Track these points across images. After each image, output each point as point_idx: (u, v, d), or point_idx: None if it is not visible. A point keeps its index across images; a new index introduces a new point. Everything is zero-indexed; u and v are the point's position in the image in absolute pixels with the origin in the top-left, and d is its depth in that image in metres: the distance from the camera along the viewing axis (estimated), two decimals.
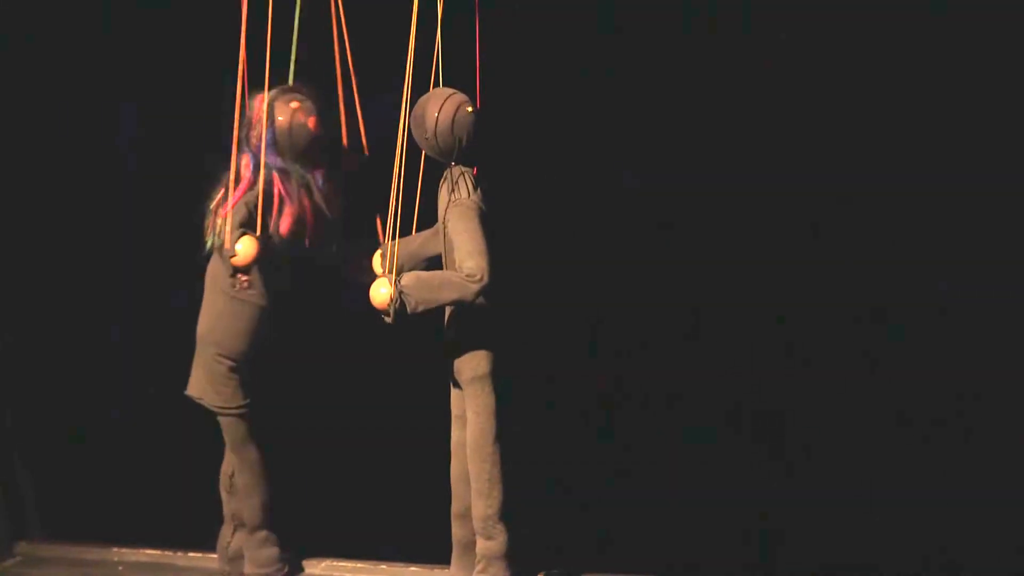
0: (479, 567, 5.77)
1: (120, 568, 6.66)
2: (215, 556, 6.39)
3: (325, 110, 5.98)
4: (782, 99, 6.45)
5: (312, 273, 6.07)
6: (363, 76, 6.00)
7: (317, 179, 5.96)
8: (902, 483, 6.40)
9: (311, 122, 5.94)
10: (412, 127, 5.68)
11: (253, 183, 5.91)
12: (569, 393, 6.73)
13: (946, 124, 6.28)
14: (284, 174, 5.93)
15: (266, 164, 5.90)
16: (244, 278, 5.87)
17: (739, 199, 6.54)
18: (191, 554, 6.61)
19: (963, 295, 6.29)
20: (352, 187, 6.06)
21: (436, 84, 5.71)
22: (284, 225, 5.91)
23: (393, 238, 5.65)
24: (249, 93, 5.93)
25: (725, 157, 6.53)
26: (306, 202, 5.93)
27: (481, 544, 5.75)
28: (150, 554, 6.72)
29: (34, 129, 7.27)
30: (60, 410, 7.30)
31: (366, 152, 6.06)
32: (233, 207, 5.87)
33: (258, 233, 5.83)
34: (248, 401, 6.04)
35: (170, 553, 6.68)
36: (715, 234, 6.60)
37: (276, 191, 5.90)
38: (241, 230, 5.82)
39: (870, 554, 6.39)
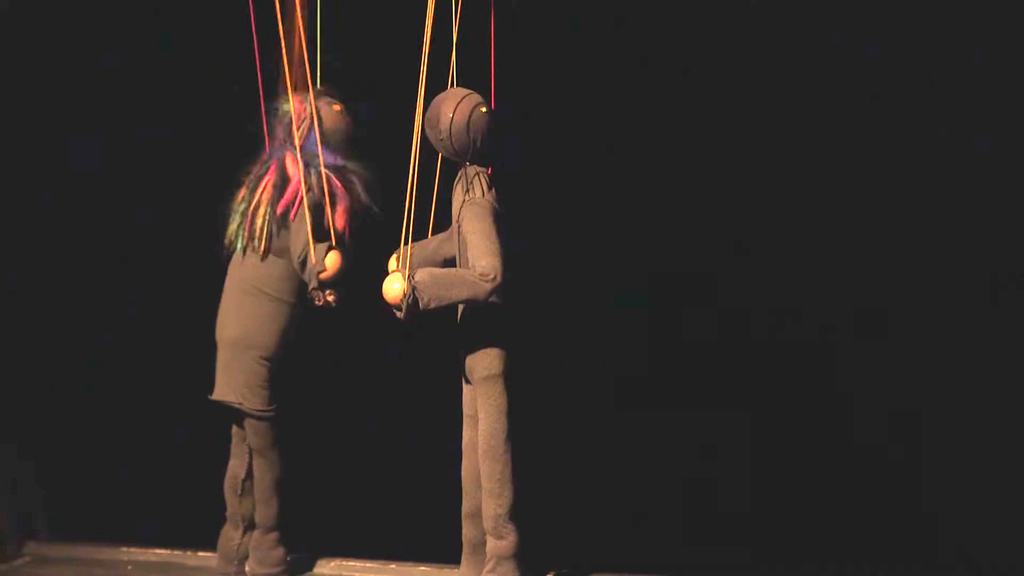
0: (489, 566, 5.77)
1: (129, 568, 6.66)
2: (214, 555, 6.40)
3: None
4: (799, 98, 6.48)
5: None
6: (377, 77, 6.03)
7: (361, 175, 6.06)
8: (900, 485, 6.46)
9: (349, 123, 6.08)
10: (426, 127, 5.70)
11: (306, 181, 5.96)
12: (580, 393, 6.74)
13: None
14: (339, 171, 6.00)
15: (319, 162, 5.95)
16: (331, 294, 5.91)
17: (755, 199, 6.56)
18: (200, 554, 6.61)
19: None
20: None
21: (451, 84, 5.74)
22: (340, 221, 5.96)
23: (407, 240, 5.67)
24: (273, 97, 6.05)
25: (742, 155, 6.55)
26: (359, 197, 6.00)
27: (491, 544, 5.75)
28: (159, 554, 6.72)
29: (31, 132, 7.30)
30: (67, 410, 7.31)
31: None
32: (297, 208, 5.93)
33: (333, 240, 5.92)
34: (278, 403, 6.08)
35: (179, 553, 6.69)
36: (730, 235, 6.61)
37: (328, 188, 5.95)
38: (327, 244, 5.89)
39: (869, 556, 6.42)
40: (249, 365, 6.02)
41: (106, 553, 6.79)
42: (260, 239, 6.00)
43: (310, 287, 5.93)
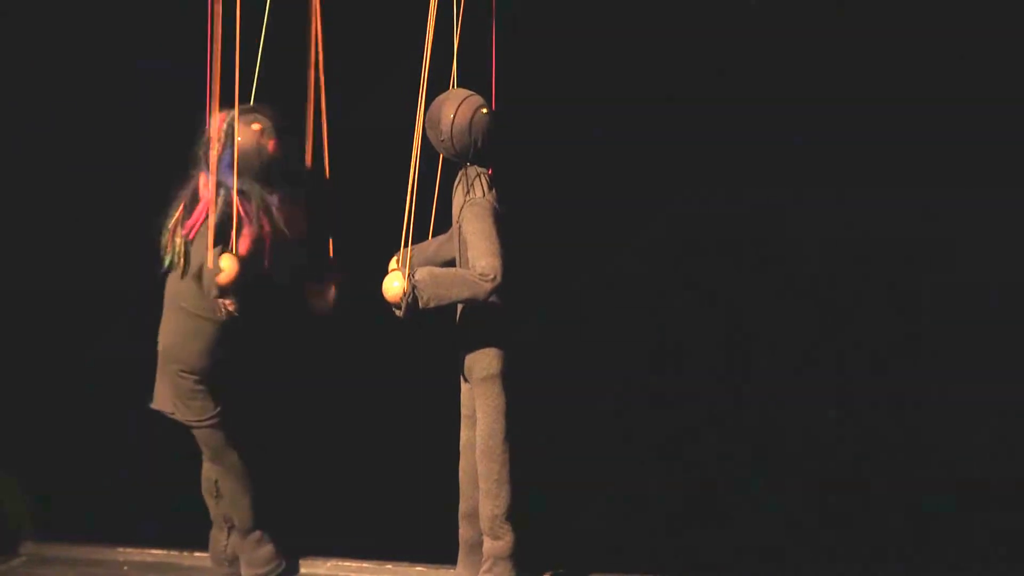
0: (485, 567, 5.80)
1: (125, 568, 6.66)
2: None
3: (286, 132, 5.95)
4: (802, 99, 6.50)
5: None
6: (377, 78, 6.04)
7: (275, 201, 5.90)
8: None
9: (271, 144, 5.89)
10: (427, 128, 5.73)
11: (215, 203, 5.85)
12: (578, 393, 6.74)
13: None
14: (243, 195, 5.86)
15: (226, 184, 5.86)
16: (229, 303, 5.84)
17: (759, 200, 6.57)
18: (196, 554, 6.61)
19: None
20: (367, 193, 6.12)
21: (452, 85, 5.76)
22: (243, 246, 5.84)
23: (407, 241, 5.68)
24: (214, 112, 5.91)
25: (748, 157, 6.56)
26: (265, 224, 5.87)
27: (488, 544, 5.79)
28: (155, 554, 6.71)
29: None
30: (63, 410, 7.32)
31: (328, 174, 6.05)
32: (197, 229, 5.87)
33: (235, 251, 5.80)
34: (219, 409, 6.06)
35: (175, 553, 6.68)
36: (732, 236, 6.63)
37: (235, 212, 5.84)
38: (220, 248, 5.78)
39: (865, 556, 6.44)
40: (173, 379, 6.03)
41: (102, 553, 6.77)
42: (180, 257, 5.98)
43: (211, 297, 5.86)
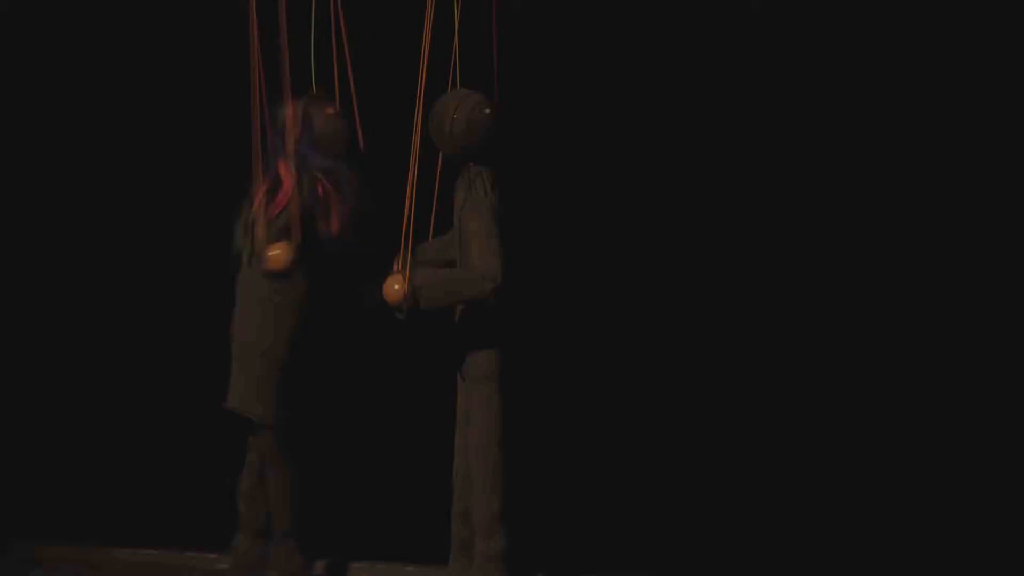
0: (477, 566, 5.81)
1: (119, 568, 6.67)
2: (213, 556, 6.46)
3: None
4: (797, 106, 6.55)
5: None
6: (377, 77, 6.10)
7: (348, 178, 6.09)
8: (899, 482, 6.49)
9: (344, 126, 6.11)
10: (429, 127, 5.77)
11: (295, 186, 5.98)
12: (575, 394, 6.77)
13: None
14: (331, 174, 6.04)
15: (312, 166, 6.02)
16: (284, 286, 5.94)
17: (754, 203, 6.60)
18: (187, 554, 6.63)
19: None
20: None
21: (451, 84, 5.81)
22: (335, 224, 6.00)
23: (407, 241, 5.73)
24: (270, 100, 6.05)
25: (742, 159, 6.58)
26: (354, 199, 6.04)
27: (481, 544, 5.80)
28: (150, 553, 6.73)
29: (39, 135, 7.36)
30: (60, 411, 7.35)
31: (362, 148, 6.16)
32: (277, 213, 5.97)
33: (296, 239, 5.93)
34: (293, 410, 6.07)
35: (167, 553, 6.70)
36: (727, 238, 6.63)
37: (321, 191, 6.00)
38: (280, 238, 5.94)
39: (867, 556, 6.45)
40: (260, 372, 6.01)
41: (95, 553, 6.79)
42: (261, 248, 6.03)
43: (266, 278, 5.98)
